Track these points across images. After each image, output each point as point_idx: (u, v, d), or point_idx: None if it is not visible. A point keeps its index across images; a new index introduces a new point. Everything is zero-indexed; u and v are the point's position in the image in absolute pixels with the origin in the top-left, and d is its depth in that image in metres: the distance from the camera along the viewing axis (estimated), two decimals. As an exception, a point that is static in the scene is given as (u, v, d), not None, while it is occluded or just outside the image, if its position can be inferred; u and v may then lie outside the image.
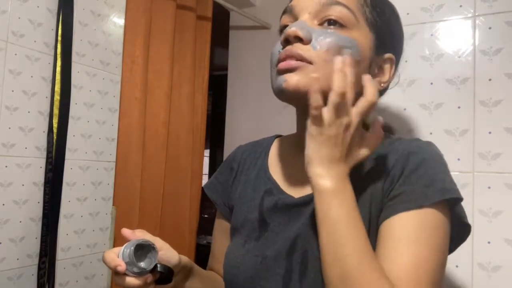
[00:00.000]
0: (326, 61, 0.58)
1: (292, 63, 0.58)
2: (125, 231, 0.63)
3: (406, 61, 0.93)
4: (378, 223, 0.57)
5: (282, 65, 0.59)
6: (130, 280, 0.59)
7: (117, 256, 0.60)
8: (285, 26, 0.64)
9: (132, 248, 0.59)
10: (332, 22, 0.60)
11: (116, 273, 0.60)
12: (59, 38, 1.31)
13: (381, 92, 0.68)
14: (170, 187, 1.85)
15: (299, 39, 0.59)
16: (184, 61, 1.94)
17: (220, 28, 2.33)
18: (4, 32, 1.18)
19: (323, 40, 0.59)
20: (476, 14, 0.88)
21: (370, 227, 0.58)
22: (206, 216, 2.67)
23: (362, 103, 0.54)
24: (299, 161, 0.69)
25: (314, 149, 0.54)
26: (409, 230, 0.54)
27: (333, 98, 0.52)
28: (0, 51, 1.17)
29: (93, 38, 1.45)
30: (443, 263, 0.55)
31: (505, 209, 0.82)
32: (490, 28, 0.87)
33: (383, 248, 0.54)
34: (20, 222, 1.23)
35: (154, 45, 1.75)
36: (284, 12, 0.66)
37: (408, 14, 0.94)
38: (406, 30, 0.94)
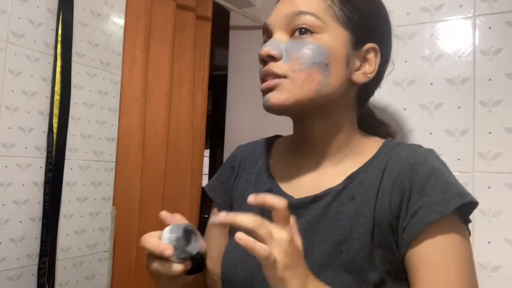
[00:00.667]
0: (296, 71, 0.61)
1: (270, 83, 0.62)
2: (164, 214, 0.62)
3: (406, 61, 0.94)
4: (394, 228, 0.58)
5: (263, 86, 0.63)
6: (177, 266, 0.55)
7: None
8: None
9: (181, 232, 0.56)
10: (303, 31, 0.62)
11: (155, 259, 0.56)
12: (59, 38, 1.31)
13: (372, 83, 0.68)
14: (170, 187, 1.85)
15: (272, 58, 0.62)
16: (184, 61, 1.94)
17: (220, 28, 2.33)
18: (4, 32, 1.18)
19: (291, 52, 0.62)
20: (476, 14, 0.88)
21: (374, 225, 0.58)
22: (206, 216, 2.67)
23: (279, 213, 0.51)
24: (297, 162, 0.70)
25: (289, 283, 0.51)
26: (439, 257, 0.55)
27: (262, 255, 0.49)
28: (0, 51, 1.17)
29: (93, 38, 1.45)
30: (474, 273, 0.57)
31: (505, 209, 0.82)
32: (490, 28, 0.87)
33: (419, 277, 0.56)
34: (20, 222, 1.23)
35: (154, 45, 1.75)
36: (262, 32, 0.69)
37: (408, 14, 0.94)
38: (406, 30, 0.95)
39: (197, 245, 0.58)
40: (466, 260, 0.57)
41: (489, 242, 0.83)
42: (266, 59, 0.63)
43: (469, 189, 0.84)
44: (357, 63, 0.65)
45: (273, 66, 0.62)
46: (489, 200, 0.83)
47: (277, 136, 0.79)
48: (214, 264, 0.75)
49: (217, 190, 0.79)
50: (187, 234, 0.58)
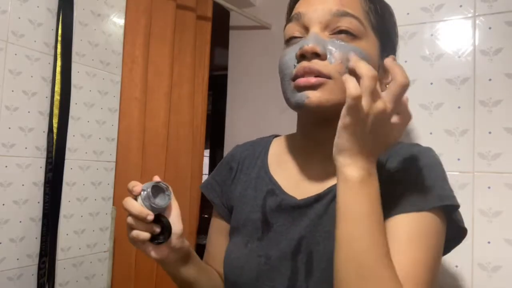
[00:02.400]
0: (341, 73, 0.59)
1: (312, 80, 0.59)
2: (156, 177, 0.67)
3: (406, 61, 0.93)
4: None
5: (302, 81, 0.60)
6: (134, 203, 0.62)
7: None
8: (293, 37, 0.65)
9: (152, 183, 0.64)
10: (343, 32, 0.61)
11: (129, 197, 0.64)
12: (59, 38, 1.31)
13: None
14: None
15: (316, 55, 0.60)
16: (184, 61, 1.94)
17: (220, 28, 2.33)
18: (4, 32, 1.18)
19: (337, 53, 0.60)
20: (476, 14, 0.88)
21: None
22: (206, 216, 2.67)
23: (395, 87, 0.50)
24: (300, 162, 0.70)
25: (348, 140, 0.52)
26: (408, 232, 0.55)
27: (367, 83, 0.49)
28: (0, 51, 1.17)
29: (93, 38, 1.45)
30: (437, 263, 0.57)
31: (505, 209, 0.82)
32: (490, 28, 0.87)
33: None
34: (20, 222, 1.23)
35: (154, 45, 1.75)
36: (291, 19, 0.65)
37: (408, 14, 0.94)
38: (406, 30, 0.94)
39: (163, 200, 0.65)
40: (431, 244, 0.56)
41: (489, 242, 0.83)
42: (310, 56, 0.60)
43: (469, 189, 0.84)
44: (381, 72, 0.65)
45: (318, 65, 0.60)
46: (489, 200, 0.83)
47: (275, 136, 0.79)
48: (215, 262, 0.76)
49: (213, 190, 0.78)
50: (156, 189, 0.65)
